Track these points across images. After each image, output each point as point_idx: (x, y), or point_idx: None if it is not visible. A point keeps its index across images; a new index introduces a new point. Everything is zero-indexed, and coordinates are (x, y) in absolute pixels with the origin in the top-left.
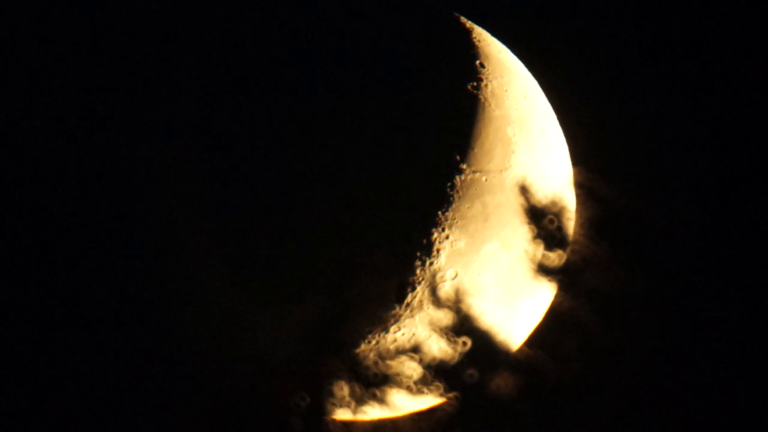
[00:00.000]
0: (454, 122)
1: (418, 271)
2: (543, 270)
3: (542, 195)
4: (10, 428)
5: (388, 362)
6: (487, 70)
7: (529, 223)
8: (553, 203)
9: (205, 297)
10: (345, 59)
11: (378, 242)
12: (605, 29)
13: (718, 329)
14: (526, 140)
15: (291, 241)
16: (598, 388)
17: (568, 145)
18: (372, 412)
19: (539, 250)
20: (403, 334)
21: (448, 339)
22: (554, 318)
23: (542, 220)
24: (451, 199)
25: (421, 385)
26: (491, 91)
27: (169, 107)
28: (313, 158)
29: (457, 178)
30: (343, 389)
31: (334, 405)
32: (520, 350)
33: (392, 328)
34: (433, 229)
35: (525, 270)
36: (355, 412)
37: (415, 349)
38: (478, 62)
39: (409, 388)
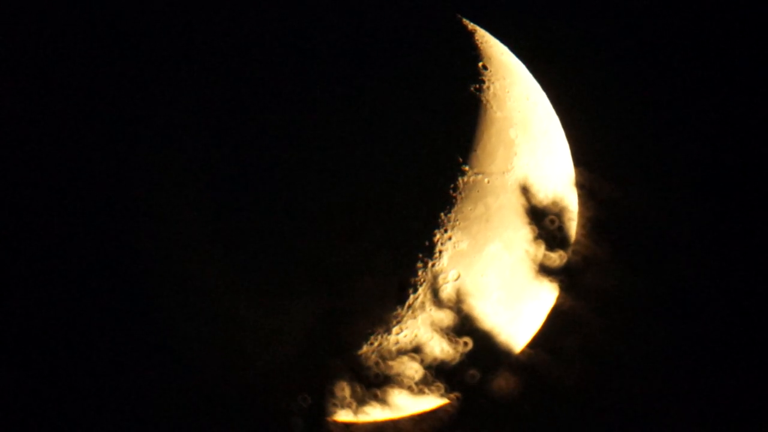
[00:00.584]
0: (457, 124)
1: (420, 273)
2: (544, 270)
3: (544, 196)
4: (10, 428)
5: (390, 363)
6: (490, 72)
7: (530, 224)
8: (555, 204)
9: (205, 297)
10: (347, 61)
11: (380, 243)
12: (607, 32)
13: (719, 329)
14: (528, 142)
15: (293, 242)
16: (599, 388)
17: (569, 145)
18: (373, 413)
19: (540, 251)
20: (405, 335)
21: (450, 340)
22: (555, 318)
23: (543, 220)
24: (454, 200)
25: (423, 385)
26: (494, 93)
27: (170, 107)
28: (315, 159)
29: (460, 179)
30: (344, 390)
31: (336, 406)
32: (521, 351)
33: (394, 329)
34: (436, 231)
35: (527, 271)
36: (356, 412)
37: (417, 350)
38: (480, 64)
39: (410, 389)
